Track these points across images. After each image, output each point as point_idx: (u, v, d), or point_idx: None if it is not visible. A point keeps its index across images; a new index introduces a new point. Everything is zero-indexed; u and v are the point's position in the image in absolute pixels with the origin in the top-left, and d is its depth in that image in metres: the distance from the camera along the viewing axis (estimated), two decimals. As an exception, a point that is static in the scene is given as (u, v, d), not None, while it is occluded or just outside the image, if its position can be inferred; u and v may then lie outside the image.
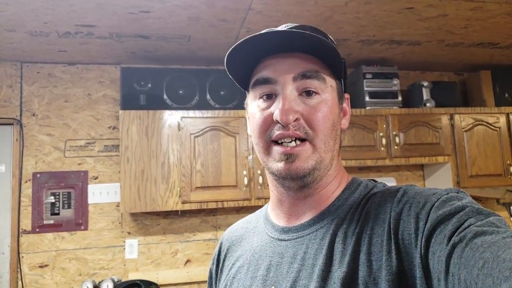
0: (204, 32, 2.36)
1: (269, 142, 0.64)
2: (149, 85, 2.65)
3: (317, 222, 0.66)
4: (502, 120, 2.96)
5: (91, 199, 2.74)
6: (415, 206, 0.56)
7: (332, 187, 0.68)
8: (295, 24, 0.68)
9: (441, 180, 2.94)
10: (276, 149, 0.63)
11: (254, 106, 0.67)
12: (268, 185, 2.55)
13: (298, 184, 0.65)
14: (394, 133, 2.79)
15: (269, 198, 2.51)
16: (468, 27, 2.46)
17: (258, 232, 0.76)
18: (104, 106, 2.84)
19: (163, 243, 2.81)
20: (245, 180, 2.59)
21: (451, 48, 2.83)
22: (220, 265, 0.80)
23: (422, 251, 0.52)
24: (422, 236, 0.52)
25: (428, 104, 2.95)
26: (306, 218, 0.67)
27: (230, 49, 0.63)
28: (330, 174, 0.68)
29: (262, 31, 0.61)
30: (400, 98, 2.90)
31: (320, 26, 2.17)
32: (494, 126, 2.94)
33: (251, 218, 0.82)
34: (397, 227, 0.56)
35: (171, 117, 2.59)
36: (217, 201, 2.58)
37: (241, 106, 2.73)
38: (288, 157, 0.62)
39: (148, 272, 2.72)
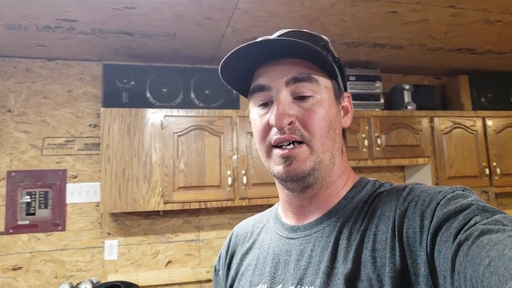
0: (189, 30, 2.34)
1: (270, 147, 0.66)
2: (132, 82, 2.61)
3: (324, 220, 0.67)
4: (479, 123, 3.05)
5: (69, 199, 2.66)
6: (421, 204, 0.56)
7: (338, 186, 0.69)
8: (288, 30, 0.69)
9: (421, 181, 3.00)
10: (276, 152, 0.65)
11: (254, 113, 0.69)
12: (252, 185, 2.54)
13: (300, 185, 0.66)
14: (376, 134, 2.83)
15: (253, 198, 2.49)
16: (448, 32, 2.52)
17: (267, 230, 0.77)
18: (84, 104, 2.77)
19: (144, 244, 2.76)
20: (229, 180, 2.57)
21: (432, 52, 2.89)
22: (228, 261, 0.81)
23: (428, 249, 0.52)
24: (427, 234, 0.53)
25: (409, 107, 3.01)
26: (314, 217, 0.69)
27: (222, 61, 0.64)
28: (334, 173, 0.68)
29: (249, 42, 0.62)
30: (382, 101, 2.95)
31: (307, 27, 2.18)
32: (471, 129, 3.02)
33: (261, 216, 0.84)
34: (402, 224, 0.57)
35: (154, 116, 2.54)
36: (200, 201, 2.55)
37: (226, 105, 2.71)
38: (287, 160, 0.64)
39: (128, 273, 2.67)
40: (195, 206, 2.55)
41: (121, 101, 2.57)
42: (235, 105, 2.73)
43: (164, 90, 2.64)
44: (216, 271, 0.85)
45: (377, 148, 2.82)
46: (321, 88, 0.66)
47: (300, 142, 0.64)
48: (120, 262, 2.69)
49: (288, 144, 0.64)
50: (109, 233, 2.70)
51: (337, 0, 2.04)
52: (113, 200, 2.43)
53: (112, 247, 2.70)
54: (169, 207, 2.51)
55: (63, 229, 2.63)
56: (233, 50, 0.63)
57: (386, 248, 0.56)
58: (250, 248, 0.77)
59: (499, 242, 0.44)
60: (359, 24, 2.34)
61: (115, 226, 2.72)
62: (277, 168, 0.65)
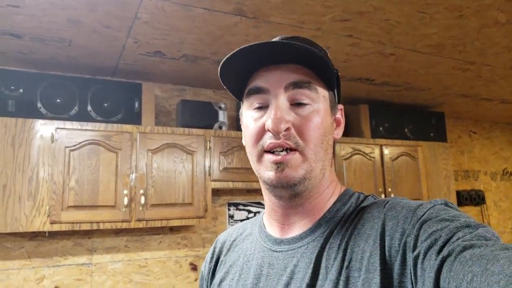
0: (86, 38, 2.21)
1: (262, 151, 0.65)
2: (21, 90, 2.38)
3: (309, 235, 0.66)
4: (377, 151, 3.24)
5: None
6: (402, 222, 0.56)
7: (324, 197, 0.69)
8: (290, 36, 0.69)
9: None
10: (267, 158, 0.64)
11: (248, 116, 0.68)
12: (150, 206, 2.41)
13: (289, 193, 0.65)
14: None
15: (151, 220, 2.36)
16: (348, 62, 2.67)
17: (252, 239, 0.76)
18: (-38, 110, 2.46)
19: (26, 268, 2.47)
20: (125, 200, 2.42)
21: (335, 80, 3.03)
22: (212, 268, 0.81)
23: (411, 267, 0.51)
24: (410, 252, 0.52)
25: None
26: (298, 229, 0.68)
27: (224, 59, 0.63)
28: (323, 184, 0.68)
29: (254, 42, 0.61)
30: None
31: (211, 44, 2.16)
32: (370, 156, 3.20)
33: (247, 224, 0.83)
34: (383, 244, 0.56)
35: (44, 127, 2.33)
36: (92, 222, 2.35)
37: (126, 120, 2.58)
38: (278, 166, 0.62)
39: (2, 303, 2.36)
40: (86, 227, 2.34)
41: (6, 109, 2.33)
42: (136, 120, 2.60)
43: (58, 100, 2.45)
44: (202, 276, 0.85)
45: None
46: (319, 97, 0.65)
47: (293, 150, 0.63)
48: (-7, 291, 2.38)
49: (282, 151, 0.62)
50: (-18, 257, 2.39)
51: (239, 19, 2.05)
52: (-12, 219, 2.15)
53: (-15, 273, 2.37)
54: (56, 227, 2.29)
55: None
56: (237, 49, 0.61)
57: (361, 268, 0.56)
58: (235, 257, 0.77)
59: (482, 257, 0.44)
60: (263, 46, 2.37)
61: (-8, 249, 2.41)
62: (268, 174, 0.63)
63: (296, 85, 0.63)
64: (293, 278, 0.62)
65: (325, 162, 0.67)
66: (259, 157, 0.65)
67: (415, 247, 0.52)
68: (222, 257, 0.80)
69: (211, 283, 0.79)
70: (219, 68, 0.65)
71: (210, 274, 0.81)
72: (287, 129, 0.62)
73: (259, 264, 0.69)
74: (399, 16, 2.07)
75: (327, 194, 0.69)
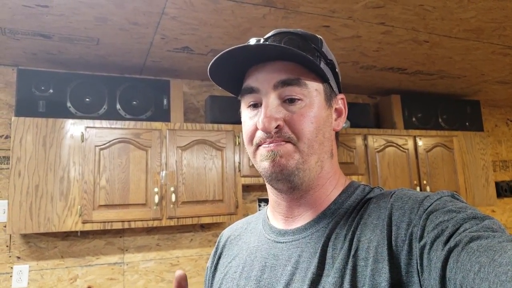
0: (114, 36, 2.18)
1: (256, 147, 0.66)
2: (51, 90, 2.38)
3: (313, 225, 0.66)
4: (410, 142, 3.12)
5: (-29, 219, 2.35)
6: (409, 212, 0.56)
7: (327, 189, 0.69)
8: (282, 30, 0.69)
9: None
10: (261, 149, 0.65)
11: (245, 115, 0.69)
12: (181, 204, 2.39)
13: (286, 185, 0.65)
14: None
15: (182, 218, 2.34)
16: (380, 51, 2.56)
17: (256, 232, 0.77)
18: (-6, 112, 2.49)
19: (60, 268, 2.49)
20: (156, 198, 2.40)
21: (365, 70, 2.93)
22: (215, 263, 0.81)
23: (417, 257, 0.51)
24: (416, 243, 0.52)
25: (344, 125, 3.01)
26: (302, 221, 0.68)
27: (209, 64, 0.64)
28: (323, 177, 0.68)
29: (237, 46, 0.62)
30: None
31: (239, 39, 2.10)
32: (403, 148, 3.08)
33: (252, 218, 0.84)
34: (390, 234, 0.56)
35: (74, 127, 2.33)
36: (123, 221, 2.34)
37: (155, 117, 2.55)
38: (272, 155, 0.63)
39: (38, 302, 2.38)
40: (117, 226, 2.34)
41: (37, 110, 2.34)
42: (165, 118, 2.57)
43: (87, 99, 2.44)
44: (207, 271, 0.85)
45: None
46: (310, 92, 0.65)
47: (287, 142, 0.63)
48: (29, 290, 2.40)
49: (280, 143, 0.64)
50: (18, 257, 2.41)
51: (268, 11, 1.99)
52: (23, 219, 2.17)
53: (21, 273, 2.40)
54: (88, 227, 2.29)
55: (-38, 254, 2.31)
56: (221, 53, 0.62)
57: (368, 258, 0.56)
58: (238, 250, 0.77)
59: (489, 248, 0.44)
60: (292, 38, 2.30)
61: (27, 249, 2.44)
62: (263, 164, 0.64)
63: (285, 83, 0.63)
64: (298, 268, 0.62)
65: (321, 155, 0.66)
66: (255, 152, 0.67)
67: (421, 237, 0.52)
68: (225, 251, 0.81)
69: (213, 277, 0.80)
70: (208, 73, 0.66)
71: (213, 268, 0.81)
72: (278, 126, 0.63)
73: (263, 256, 0.69)
74: (435, 0, 1.96)
75: (329, 186, 0.69)
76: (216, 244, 0.86)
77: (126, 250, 2.65)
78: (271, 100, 0.64)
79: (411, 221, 0.55)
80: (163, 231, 2.75)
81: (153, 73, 2.77)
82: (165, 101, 2.59)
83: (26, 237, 2.43)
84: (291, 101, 0.64)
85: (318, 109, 0.65)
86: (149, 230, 2.72)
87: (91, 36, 2.18)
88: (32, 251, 2.45)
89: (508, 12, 2.12)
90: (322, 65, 0.67)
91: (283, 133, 0.63)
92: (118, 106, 2.49)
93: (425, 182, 3.05)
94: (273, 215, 0.74)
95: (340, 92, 0.72)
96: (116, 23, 2.04)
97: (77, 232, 2.49)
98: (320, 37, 0.70)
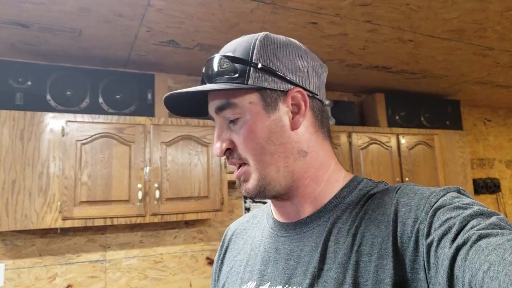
0: (97, 27, 2.12)
1: None
2: (29, 82, 2.29)
3: (315, 220, 0.66)
4: (393, 140, 3.16)
5: None
6: (415, 208, 0.55)
7: (317, 182, 0.67)
8: (213, 56, 0.67)
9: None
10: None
11: None
12: (165, 200, 2.34)
13: (266, 198, 0.67)
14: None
15: (166, 214, 2.30)
16: (366, 49, 2.58)
17: (261, 226, 0.77)
18: (-31, 104, 2.38)
19: (38, 266, 2.41)
20: (140, 195, 2.34)
21: (351, 69, 2.95)
22: (222, 256, 0.82)
23: (424, 254, 0.51)
24: (423, 240, 0.52)
25: (329, 122, 3.03)
26: (304, 215, 0.68)
27: (164, 101, 0.69)
28: (300, 177, 0.66)
29: (170, 93, 0.66)
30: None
31: (227, 33, 2.07)
32: (386, 145, 3.12)
33: (258, 212, 0.84)
34: (395, 230, 0.55)
35: (54, 121, 2.25)
36: (105, 218, 2.28)
37: (139, 112, 2.50)
38: (238, 183, 0.67)
39: (15, 302, 2.30)
40: (99, 223, 2.28)
41: (14, 102, 2.25)
42: (149, 112, 2.52)
43: (68, 93, 2.36)
44: (214, 265, 0.86)
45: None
46: (244, 107, 0.64)
47: (244, 164, 0.65)
48: (6, 290, 2.32)
49: (238, 167, 0.66)
50: (-7, 256, 2.32)
51: (256, 5, 1.96)
52: (-1, 216, 2.08)
53: (-3, 272, 2.31)
54: (68, 224, 2.22)
55: None
56: (164, 98, 0.68)
57: (372, 254, 0.55)
58: (243, 244, 0.78)
59: (498, 246, 0.43)
60: (279, 33, 2.28)
61: (2, 247, 2.35)
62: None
63: (219, 108, 0.65)
64: (300, 262, 0.63)
65: (279, 163, 0.64)
66: None
67: (428, 234, 0.51)
68: (231, 245, 0.82)
69: (220, 271, 0.81)
70: (171, 112, 0.72)
71: (219, 262, 0.82)
72: (228, 149, 0.65)
73: (266, 250, 0.70)
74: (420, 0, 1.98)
75: (319, 179, 0.67)
76: (223, 238, 0.87)
77: (108, 247, 2.59)
78: (219, 125, 0.67)
79: (417, 217, 0.54)
80: (146, 228, 2.70)
81: (138, 66, 2.71)
82: (149, 96, 2.53)
83: (1, 234, 2.34)
84: (233, 121, 0.65)
85: (256, 122, 0.64)
86: (132, 227, 2.66)
87: (73, 27, 2.10)
88: (8, 249, 2.36)
89: (489, 14, 2.16)
90: (253, 75, 0.63)
91: (234, 155, 0.65)
92: (100, 100, 2.42)
93: (407, 179, 3.10)
94: (276, 209, 0.75)
95: (296, 85, 0.65)
96: (100, 14, 1.98)
97: (56, 229, 2.41)
98: (259, 36, 0.66)
